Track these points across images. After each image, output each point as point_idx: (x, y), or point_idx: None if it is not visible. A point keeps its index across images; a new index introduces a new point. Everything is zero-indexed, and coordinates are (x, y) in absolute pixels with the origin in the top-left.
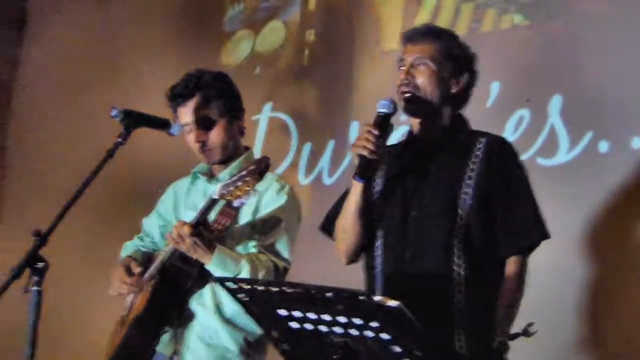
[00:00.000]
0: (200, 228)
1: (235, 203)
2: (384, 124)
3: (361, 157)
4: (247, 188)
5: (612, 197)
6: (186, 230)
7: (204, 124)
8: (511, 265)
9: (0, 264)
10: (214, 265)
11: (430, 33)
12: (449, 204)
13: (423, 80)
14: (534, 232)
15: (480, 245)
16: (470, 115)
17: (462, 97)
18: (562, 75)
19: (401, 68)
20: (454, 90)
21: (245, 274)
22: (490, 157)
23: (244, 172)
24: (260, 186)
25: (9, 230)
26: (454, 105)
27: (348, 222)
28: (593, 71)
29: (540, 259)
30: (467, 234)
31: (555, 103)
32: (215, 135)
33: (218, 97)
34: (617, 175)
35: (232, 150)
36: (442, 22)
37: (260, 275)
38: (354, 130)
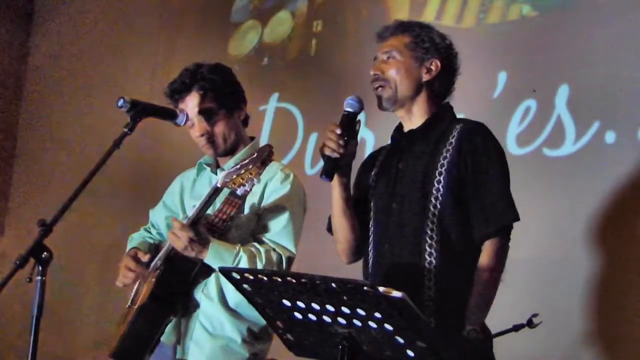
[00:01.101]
0: (196, 226)
1: (239, 191)
2: (349, 122)
3: (325, 156)
4: (250, 176)
5: (619, 188)
6: (179, 227)
7: (204, 116)
8: (485, 252)
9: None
10: (211, 258)
11: (398, 27)
12: (423, 192)
13: (392, 72)
14: (503, 212)
15: (454, 233)
16: (476, 105)
17: (440, 83)
18: (569, 66)
19: (374, 66)
20: (425, 78)
21: (243, 264)
22: (462, 142)
23: (246, 161)
24: (264, 175)
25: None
26: (432, 93)
27: (335, 222)
28: (600, 62)
29: (543, 249)
30: (440, 221)
31: (562, 94)
32: (217, 127)
33: (216, 89)
34: (623, 166)
35: (236, 141)
36: (450, 13)
37: (259, 264)
38: (361, 121)
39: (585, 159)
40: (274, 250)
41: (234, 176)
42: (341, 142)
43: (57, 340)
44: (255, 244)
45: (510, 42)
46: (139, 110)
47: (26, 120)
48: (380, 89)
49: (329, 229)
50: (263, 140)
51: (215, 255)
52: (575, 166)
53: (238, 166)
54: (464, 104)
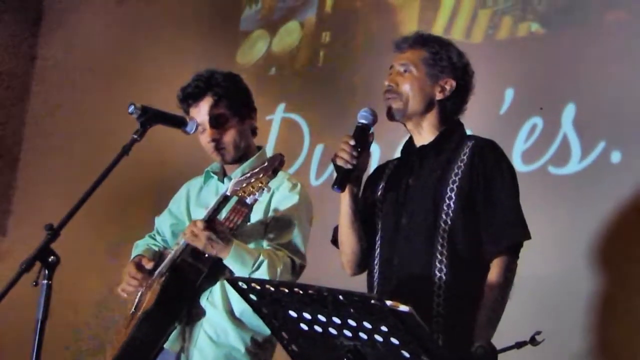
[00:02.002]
0: (213, 223)
1: (249, 200)
2: (362, 134)
3: (337, 167)
4: (260, 185)
5: (623, 207)
6: (200, 225)
7: (216, 122)
8: (494, 269)
9: (13, 256)
10: (232, 259)
11: (417, 41)
12: (434, 209)
13: (405, 86)
14: (514, 230)
15: (464, 249)
16: (483, 121)
17: (453, 103)
18: (577, 84)
19: (389, 76)
20: (438, 97)
21: (264, 269)
22: (474, 160)
23: (256, 170)
24: (271, 184)
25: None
26: (444, 111)
27: (342, 233)
28: (608, 81)
29: (548, 266)
30: (451, 237)
31: (569, 112)
32: (228, 134)
33: (229, 97)
34: (628, 187)
35: (245, 149)
36: (459, 28)
37: (279, 270)
38: None
39: (590, 178)
40: (288, 256)
41: (244, 184)
42: (354, 153)
43: (55, 345)
44: (275, 250)
45: (518, 59)
46: (149, 117)
47: (32, 123)
48: (391, 100)
49: (334, 241)
50: (268, 150)
51: (237, 256)
52: (580, 185)
53: (248, 174)
54: (470, 119)
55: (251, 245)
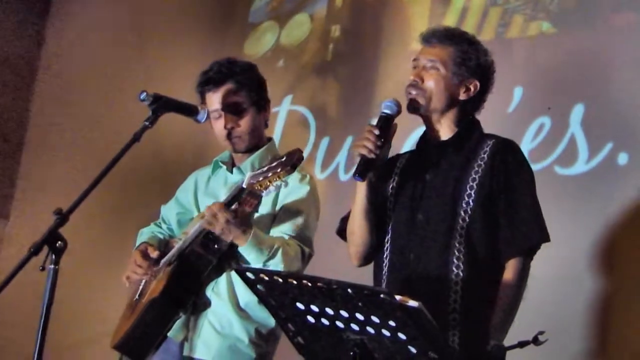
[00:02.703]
0: (232, 208)
1: (264, 193)
2: (386, 124)
3: (361, 156)
4: (278, 179)
5: (629, 209)
6: (220, 207)
7: (234, 110)
8: (510, 269)
9: (17, 240)
10: (250, 247)
11: (447, 36)
12: (453, 206)
13: (431, 83)
14: (534, 233)
15: (481, 248)
16: (491, 119)
17: (474, 103)
18: (586, 85)
19: (414, 68)
20: (462, 97)
21: (278, 257)
22: (495, 159)
23: (274, 163)
24: None
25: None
26: (463, 110)
27: (355, 223)
28: (617, 83)
29: (552, 267)
30: (469, 236)
31: (577, 112)
32: (244, 123)
33: (249, 86)
34: (634, 188)
35: (257, 140)
36: (469, 25)
37: (292, 258)
38: None
39: (596, 179)
40: (298, 245)
41: (261, 178)
42: (379, 143)
43: (60, 330)
44: (284, 237)
45: (528, 58)
46: (161, 105)
47: (37, 108)
48: (414, 94)
49: (340, 233)
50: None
51: (255, 244)
52: (587, 185)
53: (265, 168)
54: (479, 116)
55: None
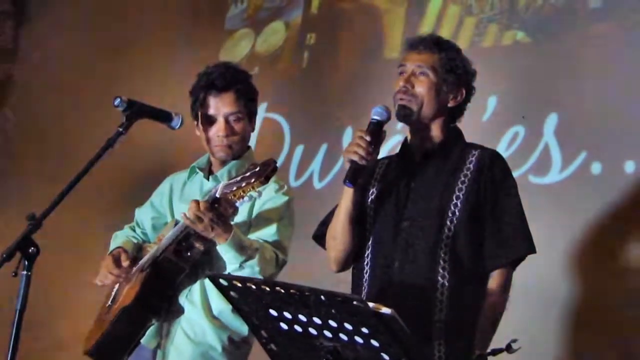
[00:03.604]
0: (216, 206)
1: (238, 203)
2: (376, 131)
3: (352, 162)
4: (252, 190)
5: (602, 219)
6: (204, 206)
7: (234, 118)
8: (495, 279)
9: None
10: (229, 246)
11: (435, 43)
12: (439, 215)
13: (422, 90)
14: (520, 244)
15: (466, 258)
16: (466, 128)
17: (459, 110)
18: (560, 94)
19: (402, 74)
20: (450, 104)
21: (255, 259)
22: (481, 170)
23: (248, 174)
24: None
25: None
26: (448, 118)
27: (338, 229)
28: (590, 92)
29: (525, 275)
30: (454, 245)
31: (551, 122)
32: (239, 132)
33: (246, 97)
34: (607, 198)
35: (242, 150)
36: (444, 34)
37: (268, 262)
38: (348, 136)
39: (570, 188)
40: (273, 251)
41: (234, 188)
42: (370, 149)
43: (32, 336)
44: (260, 240)
45: (502, 67)
46: (135, 111)
47: (17, 114)
48: (405, 101)
49: (317, 238)
50: None
51: (235, 243)
52: (560, 195)
53: (239, 178)
54: None
55: None
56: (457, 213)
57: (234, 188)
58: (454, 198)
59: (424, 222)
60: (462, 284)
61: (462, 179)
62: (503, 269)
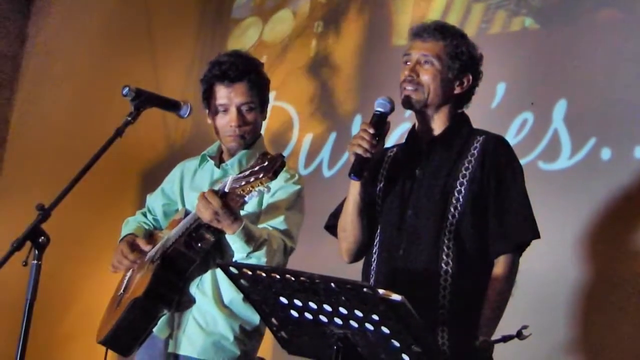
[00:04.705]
0: (226, 197)
1: (247, 198)
2: (380, 122)
3: (356, 155)
4: (260, 185)
5: (611, 204)
6: (213, 196)
7: (246, 108)
8: (499, 265)
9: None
10: (238, 237)
11: (439, 31)
12: (443, 202)
13: (427, 78)
14: (525, 230)
15: (471, 244)
16: (474, 115)
17: (466, 96)
18: (569, 80)
19: (407, 63)
20: (457, 91)
21: (262, 251)
22: (485, 156)
23: (256, 168)
24: None
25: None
26: (455, 104)
27: (347, 221)
28: (600, 78)
29: (535, 261)
30: (458, 231)
31: (560, 108)
32: (251, 122)
33: (259, 87)
34: (617, 183)
35: (253, 139)
36: (452, 21)
37: (275, 251)
38: (357, 124)
39: (579, 174)
40: (281, 239)
41: (243, 183)
42: (374, 142)
43: (43, 326)
44: (269, 229)
45: (510, 54)
46: (143, 100)
47: (20, 105)
48: (411, 90)
49: (329, 228)
50: None
51: (244, 234)
52: (570, 181)
53: (247, 173)
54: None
55: None
56: (461, 199)
57: (243, 183)
58: (458, 185)
59: (428, 209)
60: (467, 271)
61: (466, 165)
62: (508, 255)
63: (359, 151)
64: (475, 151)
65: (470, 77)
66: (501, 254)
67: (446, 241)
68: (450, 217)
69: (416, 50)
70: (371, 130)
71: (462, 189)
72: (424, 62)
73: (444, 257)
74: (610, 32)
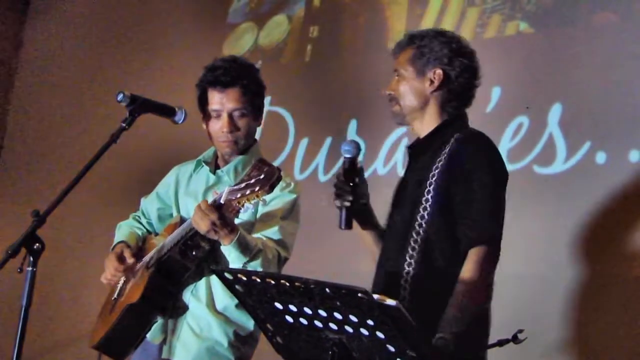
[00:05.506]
0: (221, 209)
1: (242, 210)
2: (350, 167)
3: (339, 208)
4: (257, 198)
5: (606, 208)
6: (209, 207)
7: (238, 114)
8: (465, 262)
9: None
10: (234, 247)
11: (406, 41)
12: (412, 207)
13: (398, 89)
14: (481, 224)
15: (440, 246)
16: (469, 118)
17: (448, 91)
18: (564, 84)
19: None
20: (428, 90)
21: (259, 259)
22: (452, 154)
23: (252, 181)
24: None
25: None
26: (443, 103)
27: (370, 249)
28: (594, 82)
29: (529, 265)
30: (427, 233)
31: (555, 112)
32: (243, 128)
33: (252, 93)
34: (612, 187)
35: (248, 145)
36: (447, 26)
37: (270, 261)
38: (352, 129)
39: (575, 178)
40: (275, 249)
41: (239, 195)
42: (347, 188)
43: (38, 332)
44: (263, 239)
45: (505, 58)
46: (138, 106)
47: (16, 111)
48: (391, 106)
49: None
50: None
51: (240, 244)
52: (565, 185)
53: (243, 185)
54: None
55: None
56: (429, 200)
57: (239, 195)
58: (427, 185)
59: (403, 216)
60: (432, 273)
61: (437, 164)
62: (475, 249)
63: (338, 203)
64: (447, 149)
65: (440, 71)
66: (467, 248)
67: (412, 244)
68: (418, 218)
69: (394, 66)
70: (342, 179)
71: (431, 189)
72: (396, 75)
73: (408, 258)
74: (605, 36)
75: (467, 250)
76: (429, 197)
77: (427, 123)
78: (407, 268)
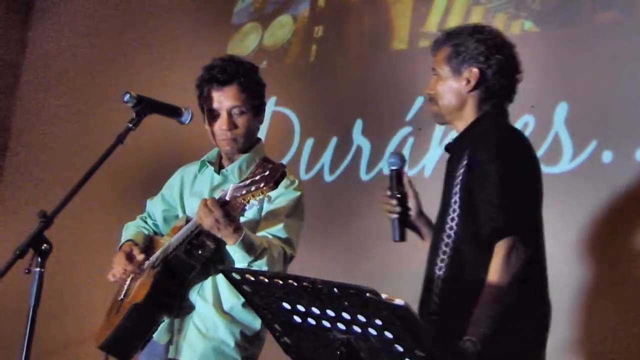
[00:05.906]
0: (227, 206)
1: (247, 207)
2: (397, 178)
3: (392, 220)
4: (261, 195)
5: (613, 207)
6: (214, 204)
7: (236, 112)
8: (492, 261)
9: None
10: (239, 247)
11: (442, 39)
12: (444, 208)
13: (436, 88)
14: (494, 217)
15: (467, 248)
16: None
17: (485, 90)
18: (569, 83)
19: None
20: (465, 89)
21: (264, 258)
22: (470, 157)
23: (257, 177)
24: None
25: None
26: (480, 102)
27: None
28: (599, 81)
29: None
30: (456, 237)
31: (561, 111)
32: (242, 126)
33: (250, 90)
34: (619, 186)
35: (249, 143)
36: (452, 24)
37: (276, 260)
38: (358, 129)
39: (581, 177)
40: (281, 246)
41: (244, 192)
42: (394, 201)
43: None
44: (269, 237)
45: None
46: (145, 106)
47: (21, 113)
48: (431, 106)
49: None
50: None
51: (245, 244)
52: (571, 184)
53: (248, 182)
54: None
55: None
56: (456, 205)
57: (244, 192)
58: (453, 191)
59: (437, 219)
60: (461, 276)
61: (462, 166)
62: (499, 245)
63: (391, 217)
64: (466, 155)
65: (476, 70)
66: (491, 244)
67: (443, 247)
68: (449, 220)
69: (433, 65)
70: (388, 193)
71: (457, 190)
72: (434, 74)
73: (439, 262)
74: (610, 34)
75: (490, 244)
76: (457, 198)
77: (467, 122)
78: (437, 272)
